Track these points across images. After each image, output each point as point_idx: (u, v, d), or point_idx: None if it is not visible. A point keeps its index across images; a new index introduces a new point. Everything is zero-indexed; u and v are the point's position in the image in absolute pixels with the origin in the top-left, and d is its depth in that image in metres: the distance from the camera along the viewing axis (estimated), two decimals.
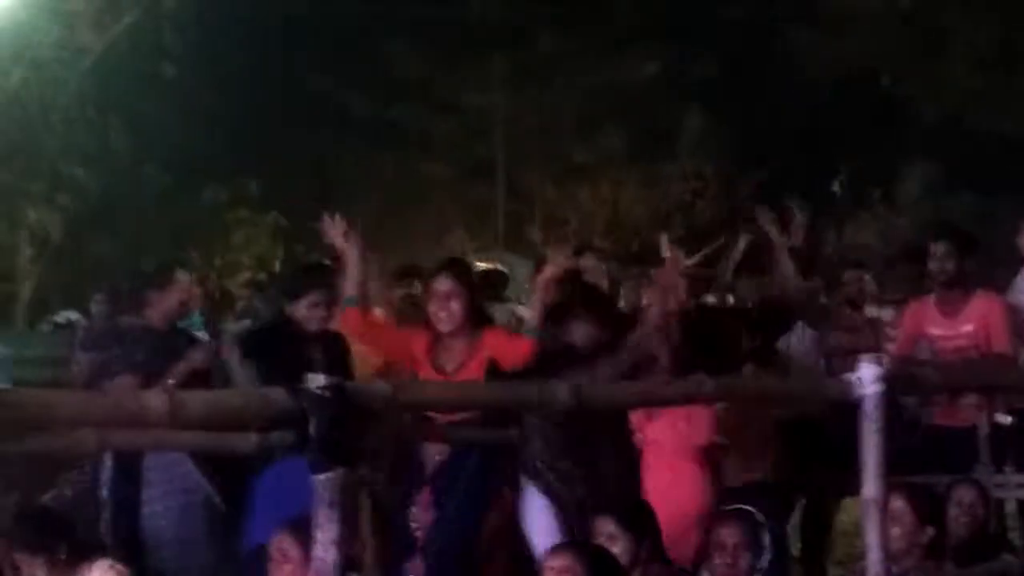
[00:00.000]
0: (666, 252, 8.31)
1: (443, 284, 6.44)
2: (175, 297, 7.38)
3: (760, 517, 5.77)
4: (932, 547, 5.42)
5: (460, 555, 6.18)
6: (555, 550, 5.07)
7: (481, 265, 11.88)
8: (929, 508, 5.51)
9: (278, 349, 6.53)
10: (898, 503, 5.21)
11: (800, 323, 8.85)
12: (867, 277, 9.30)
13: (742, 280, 9.11)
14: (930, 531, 5.41)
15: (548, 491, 6.43)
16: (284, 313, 6.88)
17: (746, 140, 23.78)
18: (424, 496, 6.25)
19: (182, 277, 7.45)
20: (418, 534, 6.21)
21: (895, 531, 5.08)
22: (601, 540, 5.35)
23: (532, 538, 6.29)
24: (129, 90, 20.53)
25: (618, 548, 5.30)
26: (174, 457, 6.92)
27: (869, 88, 21.32)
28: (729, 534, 5.61)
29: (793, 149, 23.02)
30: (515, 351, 6.39)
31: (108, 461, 7.00)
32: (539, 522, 6.35)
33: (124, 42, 20.47)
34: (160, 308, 7.33)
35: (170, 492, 7.01)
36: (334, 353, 6.60)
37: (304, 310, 6.74)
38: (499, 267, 12.21)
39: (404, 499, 6.31)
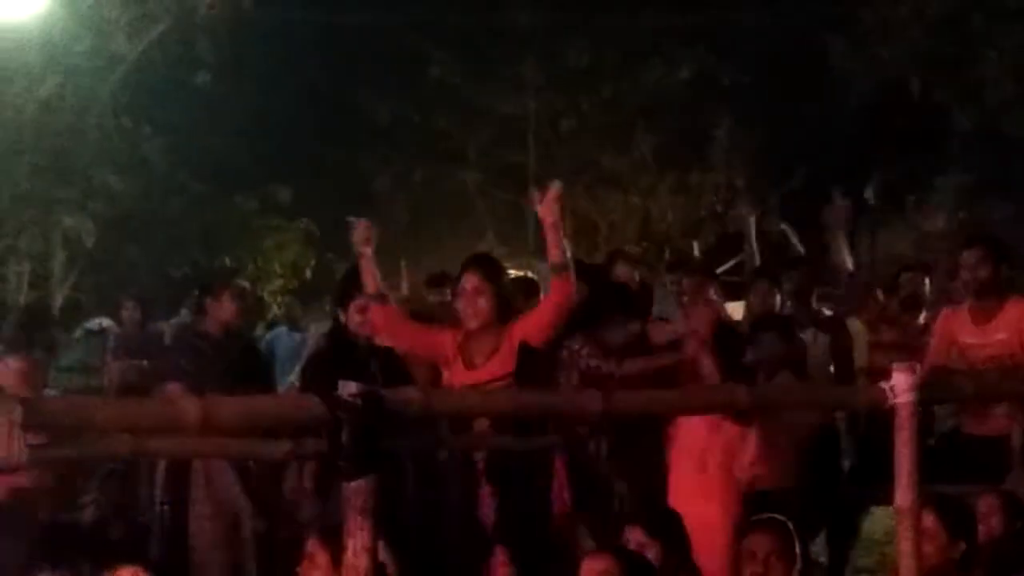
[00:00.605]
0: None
1: (470, 281, 6.47)
2: (234, 306, 7.47)
3: (791, 526, 5.74)
4: (963, 559, 5.39)
5: (536, 540, 6.11)
6: (594, 553, 5.09)
7: (512, 273, 11.88)
8: (961, 522, 5.48)
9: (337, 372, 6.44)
10: (930, 520, 5.17)
11: (812, 328, 8.84)
12: (926, 279, 9.22)
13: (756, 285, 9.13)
14: (962, 546, 5.38)
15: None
16: (337, 322, 6.91)
17: (778, 147, 23.68)
18: (485, 491, 6.16)
19: (242, 287, 7.57)
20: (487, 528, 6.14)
21: (928, 549, 5.05)
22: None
23: None
24: (162, 98, 20.62)
25: (647, 557, 5.30)
26: (216, 467, 6.95)
27: (902, 95, 21.22)
28: (760, 543, 5.57)
29: (826, 156, 22.92)
30: (541, 316, 6.45)
31: (160, 471, 7.05)
32: None
33: (157, 50, 20.54)
34: (218, 316, 7.41)
35: (211, 504, 7.03)
36: (392, 366, 6.63)
37: (355, 315, 6.78)
38: (530, 275, 12.22)
39: (463, 498, 6.23)
